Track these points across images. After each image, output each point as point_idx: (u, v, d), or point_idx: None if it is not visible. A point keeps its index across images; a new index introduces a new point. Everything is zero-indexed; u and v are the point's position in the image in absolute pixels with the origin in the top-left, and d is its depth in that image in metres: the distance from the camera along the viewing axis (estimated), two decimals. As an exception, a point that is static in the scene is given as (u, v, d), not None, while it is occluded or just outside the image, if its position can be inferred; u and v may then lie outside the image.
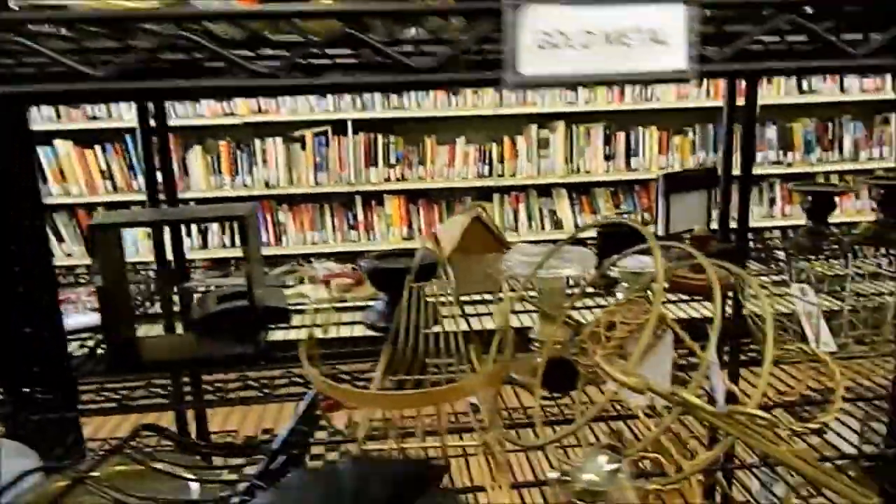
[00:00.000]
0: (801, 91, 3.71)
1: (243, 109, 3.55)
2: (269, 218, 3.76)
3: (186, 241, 3.66)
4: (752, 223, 3.74)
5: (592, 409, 0.67)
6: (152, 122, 1.63)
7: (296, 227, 3.78)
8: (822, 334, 1.08)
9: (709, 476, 1.08)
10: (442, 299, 1.19)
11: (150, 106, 1.59)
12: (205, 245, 3.74)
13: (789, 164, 3.75)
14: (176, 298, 1.53)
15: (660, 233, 1.60)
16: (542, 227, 3.82)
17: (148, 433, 0.83)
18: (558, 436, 0.62)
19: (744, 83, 1.75)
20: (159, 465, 0.75)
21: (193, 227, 3.68)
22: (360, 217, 3.78)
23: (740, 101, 1.80)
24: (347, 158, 3.67)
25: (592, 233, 1.55)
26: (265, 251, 3.72)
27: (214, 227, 3.72)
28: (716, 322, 0.66)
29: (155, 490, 0.75)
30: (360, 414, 0.75)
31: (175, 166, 3.59)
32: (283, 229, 3.79)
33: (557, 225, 3.83)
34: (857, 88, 3.69)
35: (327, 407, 0.78)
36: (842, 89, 3.71)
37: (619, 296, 0.98)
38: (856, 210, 3.71)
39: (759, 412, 0.57)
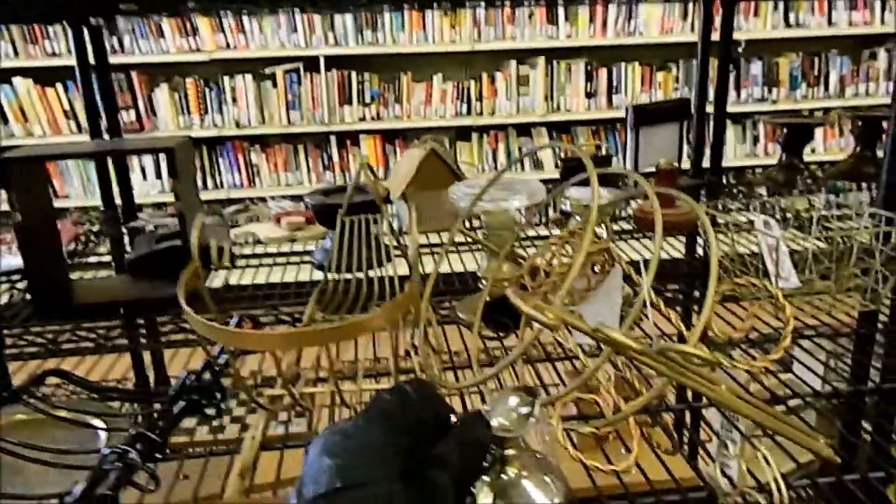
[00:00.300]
0: (787, 24, 3.60)
1: (210, 45, 3.41)
2: (241, 159, 3.66)
3: (156, 183, 3.58)
4: (735, 162, 3.70)
5: (516, 350, 0.61)
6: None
7: (269, 168, 3.69)
8: (785, 270, 1.03)
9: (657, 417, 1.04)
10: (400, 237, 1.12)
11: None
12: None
13: (774, 101, 3.66)
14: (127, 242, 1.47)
15: (629, 167, 1.54)
16: (522, 168, 3.74)
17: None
18: (479, 379, 0.57)
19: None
20: (62, 413, 0.69)
21: (163, 169, 3.58)
22: (336, 158, 3.68)
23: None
24: (320, 97, 3.55)
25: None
26: (238, 193, 3.63)
27: (185, 168, 3.61)
28: (654, 257, 0.60)
29: (60, 439, 0.71)
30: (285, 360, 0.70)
31: (140, 105, 3.50)
32: (257, 171, 3.69)
33: (538, 165, 3.75)
34: (846, 22, 3.58)
35: (243, 351, 0.73)
36: (830, 22, 3.59)
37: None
38: (839, 148, 3.65)
39: (692, 349, 0.52)
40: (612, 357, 0.87)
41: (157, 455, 0.54)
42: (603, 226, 1.04)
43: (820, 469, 0.69)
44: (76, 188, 3.55)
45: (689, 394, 0.98)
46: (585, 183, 1.12)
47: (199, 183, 3.64)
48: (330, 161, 3.68)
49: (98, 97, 1.53)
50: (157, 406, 0.64)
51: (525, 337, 0.67)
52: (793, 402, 0.87)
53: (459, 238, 1.28)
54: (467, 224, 1.17)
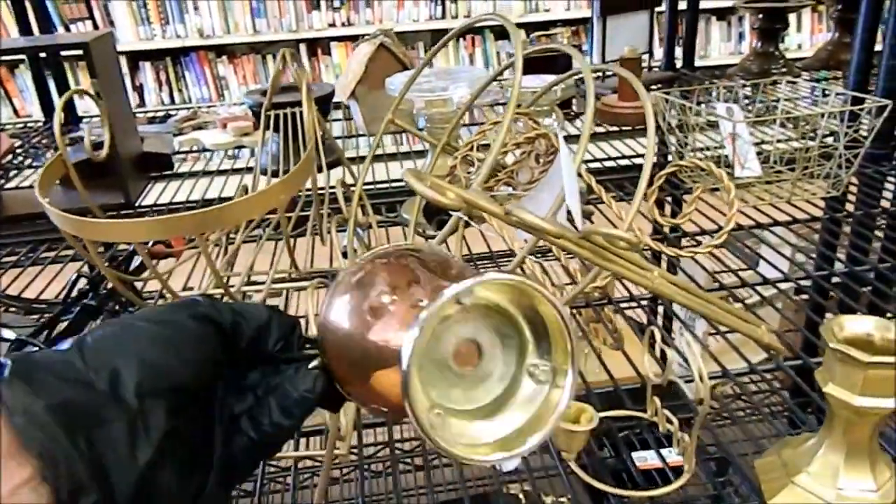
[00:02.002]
0: None
1: (166, -52, 3.21)
2: (208, 72, 3.52)
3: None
4: (717, 60, 3.58)
5: (439, 236, 0.57)
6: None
7: (238, 80, 3.55)
8: (748, 158, 0.98)
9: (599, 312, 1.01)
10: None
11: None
12: (142, 103, 3.51)
13: (761, -6, 3.51)
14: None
15: (595, 59, 1.46)
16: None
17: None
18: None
19: None
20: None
21: (128, 86, 3.43)
22: (307, 67, 3.53)
23: None
24: (287, 2, 3.37)
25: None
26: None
27: (150, 83, 3.48)
28: (584, 136, 0.55)
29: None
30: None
31: (97, 15, 3.32)
32: (225, 84, 3.56)
33: (516, 69, 3.62)
34: None
35: (153, 253, 0.68)
36: None
37: (520, 124, 0.86)
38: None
39: (616, 232, 0.47)
40: (563, 256, 0.84)
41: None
42: (553, 116, 0.98)
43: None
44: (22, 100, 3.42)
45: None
46: (536, 71, 1.05)
47: (166, 98, 3.51)
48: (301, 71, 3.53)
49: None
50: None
51: (450, 223, 0.63)
52: (754, 300, 0.85)
53: (399, 145, 1.22)
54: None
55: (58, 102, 0.50)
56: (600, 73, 1.51)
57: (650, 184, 0.71)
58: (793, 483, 0.46)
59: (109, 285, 0.58)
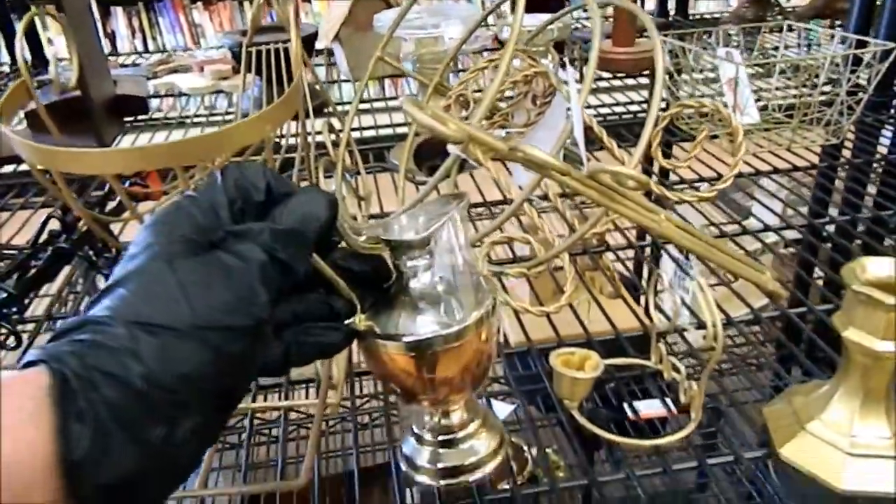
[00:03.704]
0: None
1: None
2: (182, 18, 3.40)
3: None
4: (708, 8, 3.53)
5: (431, 182, 0.54)
6: None
7: (214, 27, 3.43)
8: (748, 105, 0.95)
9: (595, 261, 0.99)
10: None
11: None
12: (115, 50, 3.39)
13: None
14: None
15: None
16: (495, 17, 3.52)
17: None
18: (384, 221, 0.50)
19: None
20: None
21: (100, 33, 3.31)
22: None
23: None
24: (264, -55, 3.24)
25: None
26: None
27: (122, 29, 3.36)
28: (591, 63, 0.52)
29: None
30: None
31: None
32: (202, 31, 3.43)
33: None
34: None
35: (131, 194, 0.64)
36: None
37: (516, 62, 0.82)
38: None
39: (625, 170, 0.45)
40: (557, 204, 0.81)
41: (15, 309, 0.47)
42: (549, 56, 0.94)
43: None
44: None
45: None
46: (529, 11, 1.01)
47: (139, 45, 3.39)
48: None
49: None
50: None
51: (449, 161, 0.59)
52: (753, 248, 0.83)
53: (391, 70, 1.17)
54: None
55: (20, 26, 0.46)
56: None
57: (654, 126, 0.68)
58: (804, 430, 0.44)
59: (83, 227, 0.54)
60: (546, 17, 0.90)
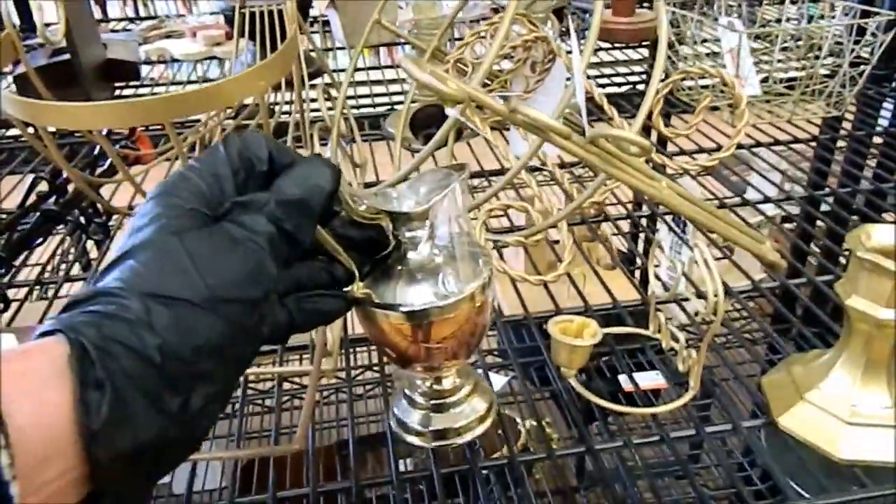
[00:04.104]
0: None
1: None
2: (174, -15, 3.34)
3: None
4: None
5: (425, 149, 0.53)
6: None
7: (206, -5, 3.37)
8: (749, 76, 0.94)
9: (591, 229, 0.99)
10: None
11: None
12: (105, 17, 3.33)
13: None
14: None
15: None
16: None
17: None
18: (380, 187, 0.49)
19: None
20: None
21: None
22: (279, -16, 3.37)
23: None
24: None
25: None
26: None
27: (113, -3, 3.29)
28: (594, 23, 0.50)
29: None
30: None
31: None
32: (193, -1, 3.37)
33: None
34: None
35: (122, 157, 0.63)
36: None
37: (517, 28, 0.80)
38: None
39: (626, 134, 0.44)
40: (556, 174, 0.80)
41: (2, 270, 0.46)
42: (549, 23, 0.92)
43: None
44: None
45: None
46: (531, -23, 0.99)
47: (130, 12, 3.34)
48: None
49: None
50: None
51: (439, 138, 0.58)
52: (754, 221, 0.82)
53: (387, 38, 1.15)
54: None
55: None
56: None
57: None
58: (804, 399, 0.44)
59: (72, 188, 0.53)
60: (546, -18, 0.89)
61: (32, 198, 0.52)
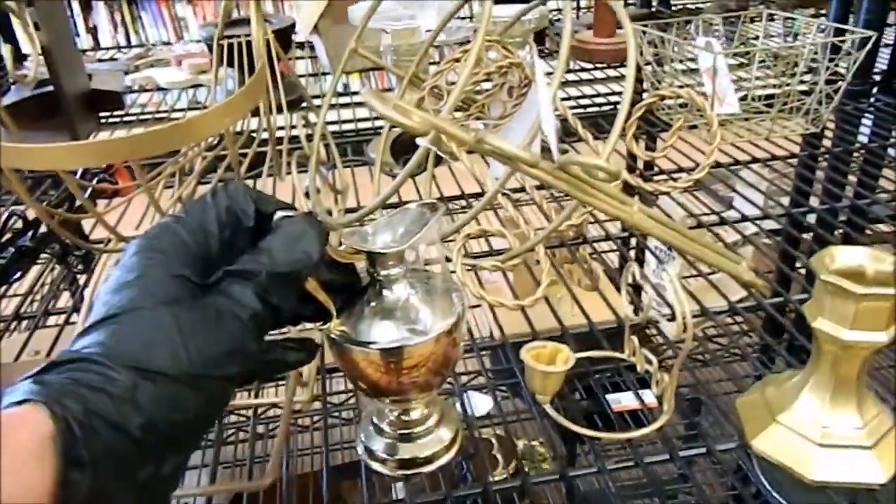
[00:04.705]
0: None
1: None
2: (165, 12, 3.36)
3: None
4: (691, 3, 3.52)
5: (398, 177, 0.53)
6: None
7: (198, 21, 3.40)
8: (727, 94, 0.94)
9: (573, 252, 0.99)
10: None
11: None
12: (97, 45, 3.36)
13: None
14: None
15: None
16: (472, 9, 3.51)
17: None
18: (363, 212, 0.49)
19: None
20: None
21: (81, 28, 3.27)
22: (269, 6, 3.40)
23: None
24: (247, -62, 3.21)
25: None
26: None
27: (104, 24, 3.32)
28: (562, 54, 0.51)
29: None
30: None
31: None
32: (185, 25, 3.40)
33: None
34: None
35: (98, 191, 0.63)
36: None
37: (492, 55, 0.81)
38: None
39: (595, 161, 0.44)
40: (534, 195, 0.80)
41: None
42: (527, 48, 0.93)
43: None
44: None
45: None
46: (508, 1, 1.00)
47: (121, 39, 3.36)
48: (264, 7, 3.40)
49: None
50: None
51: (418, 155, 0.58)
52: (732, 240, 0.82)
53: (370, 63, 1.16)
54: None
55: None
56: (575, 5, 1.45)
57: (628, 117, 0.67)
58: (776, 422, 0.44)
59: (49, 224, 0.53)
60: (523, 7, 0.89)
61: (7, 235, 0.52)
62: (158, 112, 1.12)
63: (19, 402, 0.24)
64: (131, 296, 0.28)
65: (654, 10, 1.56)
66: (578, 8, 1.46)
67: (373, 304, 0.39)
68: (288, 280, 0.31)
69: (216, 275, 0.30)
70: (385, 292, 0.39)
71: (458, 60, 0.68)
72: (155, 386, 0.26)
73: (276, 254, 0.31)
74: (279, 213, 0.34)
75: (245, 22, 1.12)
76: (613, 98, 1.12)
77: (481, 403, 1.26)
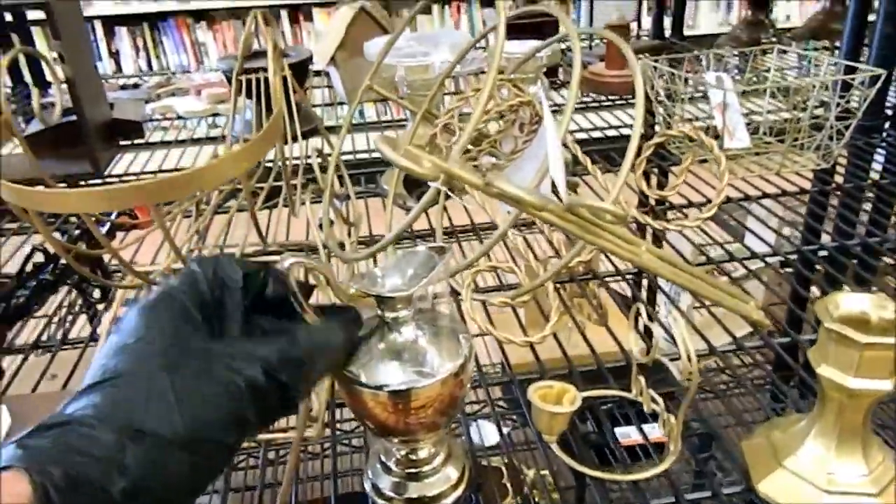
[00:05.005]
0: None
1: None
2: (186, 38, 3.43)
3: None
4: (706, 30, 3.54)
5: (409, 215, 0.54)
6: None
7: (217, 47, 3.46)
8: (738, 129, 0.95)
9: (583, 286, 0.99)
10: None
11: None
12: (119, 70, 3.42)
13: (751, -37, 3.45)
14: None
15: (583, 26, 1.42)
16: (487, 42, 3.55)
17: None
18: (372, 249, 0.50)
19: None
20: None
21: (104, 52, 3.34)
22: (288, 34, 3.46)
23: None
24: (267, -34, 3.28)
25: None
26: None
27: (127, 49, 3.39)
28: (569, 102, 0.52)
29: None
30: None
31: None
32: (204, 50, 3.47)
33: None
34: None
35: (117, 225, 0.65)
36: None
37: (504, 92, 0.83)
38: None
39: (601, 205, 0.45)
40: (547, 229, 0.81)
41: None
42: (539, 83, 0.95)
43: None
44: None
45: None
46: (522, 36, 1.02)
47: (143, 64, 3.43)
48: (283, 38, 3.46)
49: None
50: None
51: (427, 196, 0.59)
52: (740, 273, 0.83)
53: (381, 114, 1.18)
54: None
55: (2, 60, 0.47)
56: (587, 39, 1.47)
57: (638, 154, 0.68)
58: (782, 467, 0.44)
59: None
60: (535, 43, 0.91)
61: (29, 267, 0.54)
62: (178, 141, 1.14)
63: (1, 468, 0.24)
64: (129, 359, 0.28)
65: (666, 40, 1.58)
66: (590, 42, 1.48)
67: (381, 345, 0.40)
68: (300, 365, 0.32)
69: (223, 341, 0.31)
70: (393, 334, 0.40)
71: (468, 98, 0.69)
72: (144, 448, 0.26)
73: (298, 336, 0.32)
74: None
75: (263, 54, 1.14)
76: (625, 130, 1.13)
77: (491, 432, 1.26)
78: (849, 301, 0.41)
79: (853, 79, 0.86)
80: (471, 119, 0.53)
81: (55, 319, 0.71)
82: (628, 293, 1.17)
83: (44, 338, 0.67)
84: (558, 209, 0.47)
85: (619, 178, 0.54)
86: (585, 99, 1.24)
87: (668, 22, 1.61)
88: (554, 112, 1.05)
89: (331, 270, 0.38)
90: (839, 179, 0.94)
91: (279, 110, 0.45)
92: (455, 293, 0.72)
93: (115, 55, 3.39)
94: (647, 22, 1.73)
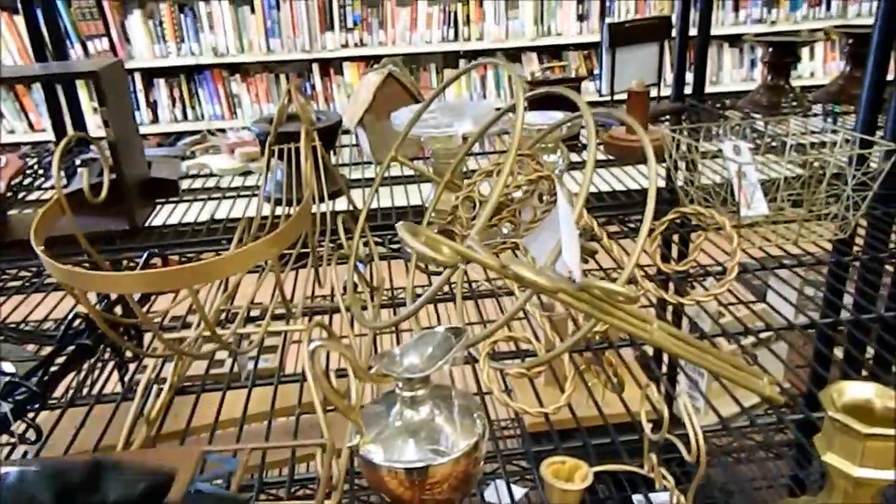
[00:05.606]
0: (789, -61, 3.41)
1: (182, -32, 3.25)
2: (221, 89, 3.55)
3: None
4: (729, 86, 3.58)
5: (430, 289, 0.56)
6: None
7: (251, 98, 3.57)
8: (755, 198, 0.97)
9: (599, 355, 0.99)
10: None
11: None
12: (156, 119, 3.55)
13: (773, 22, 3.51)
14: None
15: (604, 90, 1.46)
16: (511, 95, 3.62)
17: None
18: (395, 320, 0.52)
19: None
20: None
21: (142, 102, 3.47)
22: (319, 87, 3.56)
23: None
24: (301, 22, 3.40)
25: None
26: (220, 125, 3.53)
27: (164, 99, 3.51)
28: (585, 181, 0.54)
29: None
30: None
31: (114, 33, 3.36)
32: (238, 101, 3.58)
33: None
34: (851, -65, 3.39)
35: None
36: (834, -64, 3.40)
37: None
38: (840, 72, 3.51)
39: (613, 286, 0.47)
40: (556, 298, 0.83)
41: (37, 405, 0.50)
42: (559, 151, 0.98)
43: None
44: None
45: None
46: (543, 107, 1.05)
47: (179, 114, 3.54)
48: (313, 90, 3.56)
49: (42, 21, 1.44)
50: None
51: (444, 276, 0.62)
52: (766, 334, 0.83)
53: (405, 169, 1.21)
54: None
55: (57, 150, 0.50)
56: (608, 102, 1.50)
57: (650, 232, 0.70)
58: (791, 551, 0.44)
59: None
60: (557, 115, 0.94)
61: (70, 330, 0.57)
62: (211, 196, 1.19)
63: None
64: None
65: (687, 102, 1.61)
66: (612, 100, 1.51)
67: (398, 423, 0.42)
68: None
69: None
70: (410, 412, 0.42)
71: (490, 174, 0.72)
72: None
73: None
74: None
75: (295, 118, 1.19)
76: (644, 183, 1.15)
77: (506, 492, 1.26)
78: (853, 389, 0.42)
79: (869, 153, 0.88)
80: (489, 197, 0.56)
81: (89, 377, 0.74)
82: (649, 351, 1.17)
83: (76, 390, 0.70)
84: (572, 290, 0.49)
85: (631, 259, 0.56)
86: (604, 158, 1.26)
87: (690, 76, 1.63)
88: (573, 169, 1.08)
89: (353, 352, 0.40)
90: (858, 247, 0.95)
91: (307, 201, 0.48)
92: (472, 359, 0.74)
93: (152, 105, 3.52)
94: (670, 76, 1.73)
